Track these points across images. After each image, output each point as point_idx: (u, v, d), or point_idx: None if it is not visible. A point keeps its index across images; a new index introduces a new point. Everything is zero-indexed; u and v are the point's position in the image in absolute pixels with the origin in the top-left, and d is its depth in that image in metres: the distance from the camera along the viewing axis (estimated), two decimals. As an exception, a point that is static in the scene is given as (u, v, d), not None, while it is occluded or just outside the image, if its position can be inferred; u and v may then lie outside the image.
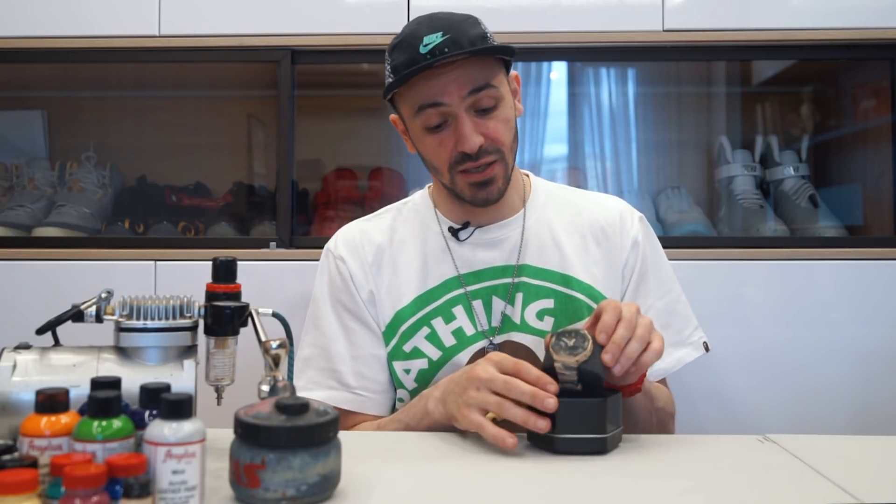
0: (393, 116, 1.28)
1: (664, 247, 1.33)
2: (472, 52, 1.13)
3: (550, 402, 0.93)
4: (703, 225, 1.90)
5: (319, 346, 1.26)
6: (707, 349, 1.27)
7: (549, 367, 0.98)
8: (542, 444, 0.96)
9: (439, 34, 1.13)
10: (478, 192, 1.19)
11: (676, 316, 1.27)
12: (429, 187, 1.35)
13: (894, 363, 1.70)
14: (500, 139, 1.18)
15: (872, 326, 1.70)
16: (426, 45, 1.13)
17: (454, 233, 1.26)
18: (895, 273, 1.72)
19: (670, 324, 1.26)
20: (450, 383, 1.06)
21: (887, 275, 1.72)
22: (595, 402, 0.94)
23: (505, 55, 1.19)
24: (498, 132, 1.17)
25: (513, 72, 1.24)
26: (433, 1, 1.76)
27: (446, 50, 1.12)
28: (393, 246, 1.28)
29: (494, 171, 1.18)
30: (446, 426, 1.06)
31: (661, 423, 1.19)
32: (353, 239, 1.30)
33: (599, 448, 0.94)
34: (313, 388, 1.23)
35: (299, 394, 1.20)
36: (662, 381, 1.27)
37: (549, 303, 1.23)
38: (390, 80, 1.17)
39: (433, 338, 1.22)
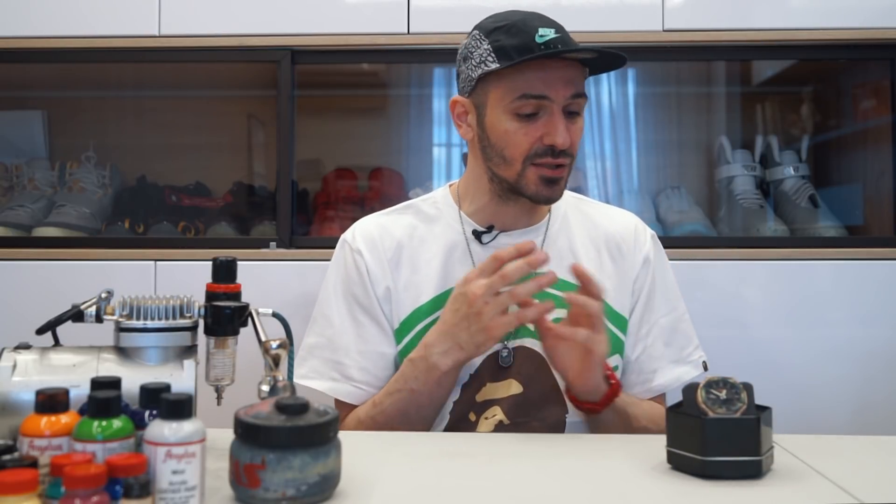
0: (456, 98, 1.26)
1: (664, 247, 1.34)
2: (598, 49, 1.14)
3: (541, 255, 1.06)
4: (703, 225, 1.90)
5: (326, 337, 1.25)
6: (706, 368, 1.28)
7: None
8: (690, 468, 0.88)
9: (552, 30, 1.16)
10: (544, 187, 1.20)
11: (679, 334, 1.28)
12: (450, 185, 1.34)
13: (894, 363, 1.69)
14: (575, 145, 1.21)
15: (872, 326, 1.70)
16: (542, 37, 1.14)
17: (478, 236, 1.26)
18: (895, 273, 1.72)
19: (673, 341, 1.27)
20: (444, 334, 1.12)
21: (887, 275, 1.71)
22: (749, 420, 0.87)
23: (620, 62, 1.20)
24: (576, 138, 1.20)
25: None
26: (434, 1, 1.77)
27: (559, 46, 1.14)
28: (413, 243, 1.28)
29: (563, 172, 1.20)
30: (451, 371, 1.12)
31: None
32: (371, 233, 1.29)
33: (753, 472, 0.86)
34: (315, 378, 1.23)
35: (301, 382, 1.21)
36: (661, 398, 1.27)
37: (563, 312, 1.22)
38: (491, 59, 1.17)
39: None
